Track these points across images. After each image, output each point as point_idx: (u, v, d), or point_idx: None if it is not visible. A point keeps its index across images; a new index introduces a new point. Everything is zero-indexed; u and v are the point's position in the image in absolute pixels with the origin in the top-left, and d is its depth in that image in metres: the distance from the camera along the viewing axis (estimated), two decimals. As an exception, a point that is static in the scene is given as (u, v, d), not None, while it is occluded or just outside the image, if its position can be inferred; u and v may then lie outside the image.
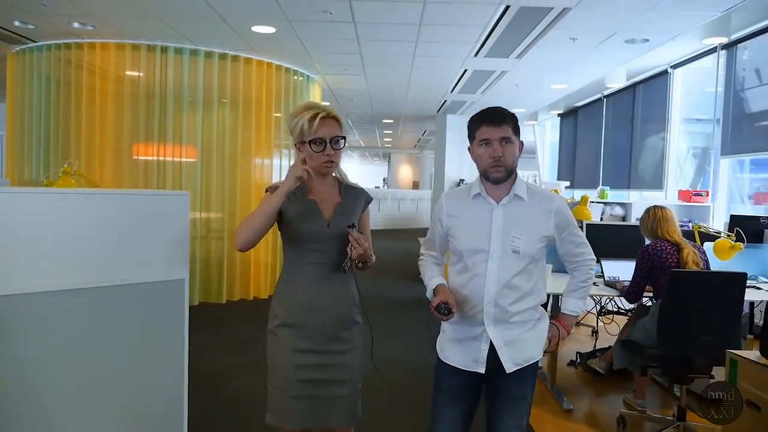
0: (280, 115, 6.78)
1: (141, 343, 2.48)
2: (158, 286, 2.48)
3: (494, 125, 1.78)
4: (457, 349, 1.89)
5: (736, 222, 4.35)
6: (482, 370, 1.83)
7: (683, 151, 7.04)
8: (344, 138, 1.93)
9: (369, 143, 19.26)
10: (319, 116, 1.85)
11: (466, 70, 6.83)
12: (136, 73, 5.95)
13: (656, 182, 7.27)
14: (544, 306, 1.98)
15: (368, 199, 2.06)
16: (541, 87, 7.78)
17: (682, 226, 4.99)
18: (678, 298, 2.89)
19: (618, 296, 3.59)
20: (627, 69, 6.71)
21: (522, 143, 1.86)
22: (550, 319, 1.96)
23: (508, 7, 4.49)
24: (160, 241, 2.50)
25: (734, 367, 1.97)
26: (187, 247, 2.59)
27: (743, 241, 3.70)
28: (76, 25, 5.31)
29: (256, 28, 5.29)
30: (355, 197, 2.02)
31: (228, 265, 6.28)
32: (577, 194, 8.66)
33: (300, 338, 1.90)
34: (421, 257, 2.06)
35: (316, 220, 1.91)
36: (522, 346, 1.83)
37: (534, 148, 12.50)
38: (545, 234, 1.84)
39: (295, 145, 1.94)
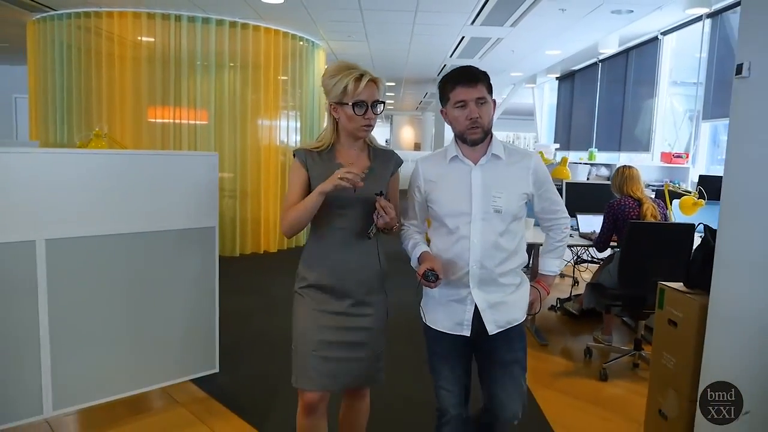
0: (286, 78, 7.15)
1: (181, 279, 2.98)
2: (194, 232, 2.96)
3: (469, 86, 1.73)
4: (440, 313, 1.86)
5: (704, 182, 4.78)
6: (467, 333, 1.81)
7: (680, 114, 7.35)
8: (383, 103, 1.89)
9: (371, 105, 19.44)
10: (366, 78, 1.80)
11: (463, 37, 7.13)
12: (151, 40, 6.29)
13: (646, 145, 7.61)
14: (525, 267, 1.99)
15: (398, 162, 1.99)
16: (536, 53, 8.07)
17: (659, 186, 5.43)
18: (636, 245, 3.37)
19: (590, 246, 4.05)
20: (619, 35, 6.99)
21: (495, 101, 1.82)
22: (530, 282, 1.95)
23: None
24: (194, 193, 2.96)
25: (662, 294, 2.44)
26: (216, 199, 3.05)
27: (704, 199, 4.13)
28: (95, -6, 5.64)
29: (265, -2, 5.61)
30: (384, 161, 1.96)
31: (240, 222, 6.74)
32: (573, 156, 9.05)
33: (325, 300, 1.89)
34: (402, 227, 1.99)
35: None
36: (504, 309, 1.82)
37: (533, 111, 12.75)
38: (525, 191, 1.82)
39: (331, 104, 1.86)
